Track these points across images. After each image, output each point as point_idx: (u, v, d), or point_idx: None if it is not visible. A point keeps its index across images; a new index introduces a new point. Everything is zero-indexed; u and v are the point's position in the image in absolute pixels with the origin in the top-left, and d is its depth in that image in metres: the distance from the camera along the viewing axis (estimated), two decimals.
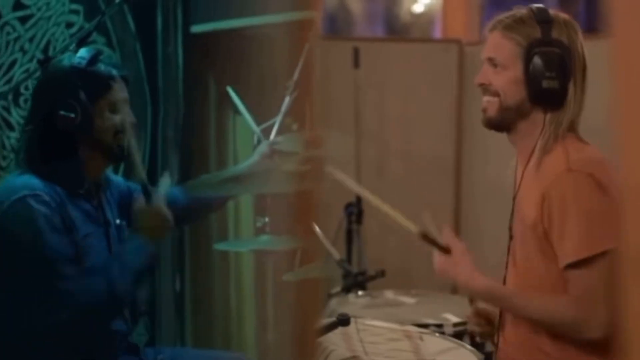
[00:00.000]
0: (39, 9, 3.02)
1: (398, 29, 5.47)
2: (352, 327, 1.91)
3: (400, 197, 3.78)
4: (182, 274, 3.15)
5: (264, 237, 2.32)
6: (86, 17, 3.08)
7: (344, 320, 1.84)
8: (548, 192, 1.77)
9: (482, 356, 1.88)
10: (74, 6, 3.09)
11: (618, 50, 0.70)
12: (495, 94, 1.87)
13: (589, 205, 1.73)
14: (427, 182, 3.72)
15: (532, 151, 1.85)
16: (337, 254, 2.87)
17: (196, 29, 3.18)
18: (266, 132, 2.33)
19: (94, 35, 2.89)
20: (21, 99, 3.00)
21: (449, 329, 2.44)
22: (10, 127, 2.98)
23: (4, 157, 2.98)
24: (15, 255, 1.83)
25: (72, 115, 1.85)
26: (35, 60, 2.93)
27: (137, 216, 1.91)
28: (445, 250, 1.89)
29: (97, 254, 1.92)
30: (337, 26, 5.07)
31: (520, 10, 1.87)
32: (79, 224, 1.88)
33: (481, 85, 1.90)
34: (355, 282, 2.92)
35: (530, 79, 1.81)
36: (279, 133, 2.29)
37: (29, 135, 1.90)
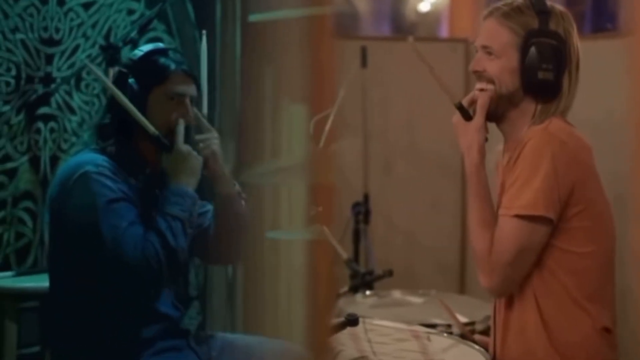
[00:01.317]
0: None
1: (404, 28, 5.43)
2: (360, 327, 1.92)
3: (407, 194, 3.82)
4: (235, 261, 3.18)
5: (316, 227, 2.33)
6: (147, 4, 3.13)
7: (352, 321, 1.83)
8: (519, 149, 1.77)
9: (490, 356, 1.87)
10: None
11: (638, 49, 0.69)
12: (490, 81, 1.85)
13: (551, 166, 1.71)
14: (433, 180, 3.71)
15: (521, 141, 1.82)
16: (344, 253, 2.87)
17: (254, 17, 3.20)
18: (321, 123, 2.33)
19: (154, 23, 2.94)
20: (82, 84, 3.06)
21: (456, 329, 2.43)
22: (72, 111, 3.05)
23: (65, 140, 3.05)
24: (80, 227, 1.92)
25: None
26: (97, 46, 2.99)
27: (165, 166, 1.98)
28: (467, 118, 1.89)
29: None
30: (343, 25, 5.05)
31: (518, 0, 1.85)
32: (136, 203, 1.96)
33: (475, 72, 1.89)
34: (363, 282, 2.91)
35: (526, 69, 1.80)
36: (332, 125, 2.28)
37: (100, 119, 2.04)
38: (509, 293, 1.81)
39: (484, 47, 1.87)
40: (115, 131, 1.99)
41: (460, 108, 1.90)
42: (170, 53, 2.04)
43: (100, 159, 1.95)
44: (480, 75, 1.88)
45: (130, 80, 1.97)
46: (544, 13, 1.81)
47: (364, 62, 3.42)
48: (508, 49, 1.83)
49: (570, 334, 1.78)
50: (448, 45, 3.90)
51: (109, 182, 1.90)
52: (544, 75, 1.79)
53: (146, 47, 2.02)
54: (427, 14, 5.34)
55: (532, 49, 1.79)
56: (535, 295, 1.79)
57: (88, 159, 1.95)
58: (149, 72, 1.98)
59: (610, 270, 1.84)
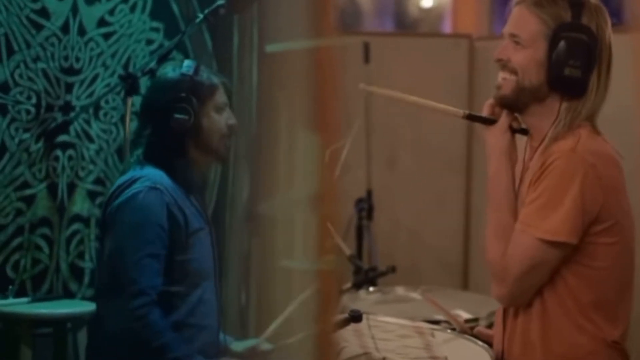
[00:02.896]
0: (121, 26, 3.13)
1: (407, 24, 5.43)
2: (363, 324, 1.90)
3: (411, 190, 3.79)
4: (248, 288, 3.19)
5: (329, 257, 2.34)
6: (166, 34, 3.18)
7: (356, 317, 1.83)
8: (545, 164, 1.71)
9: (493, 352, 1.84)
10: (155, 24, 3.19)
11: None
12: (513, 71, 1.77)
13: (579, 193, 1.66)
14: (437, 176, 3.67)
15: (544, 138, 1.77)
16: (347, 250, 2.85)
17: (271, 48, 3.24)
18: (335, 153, 2.35)
19: (173, 53, 2.98)
20: (101, 113, 3.11)
21: (455, 325, 2.43)
22: (90, 139, 3.08)
23: (83, 168, 3.08)
24: (116, 242, 1.98)
25: (186, 117, 2.00)
26: (116, 75, 3.03)
27: None
28: (491, 121, 1.84)
29: (204, 250, 2.06)
30: (346, 21, 5.04)
31: None
32: (191, 218, 2.02)
33: (499, 61, 1.80)
34: (366, 278, 2.88)
35: (552, 63, 1.72)
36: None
37: (149, 137, 2.06)
38: (519, 304, 1.78)
39: (512, 36, 1.78)
40: (169, 146, 2.04)
41: (471, 117, 1.85)
42: (205, 68, 2.12)
43: (157, 174, 2.00)
44: (504, 65, 1.80)
45: (190, 95, 2.02)
46: (577, 5, 1.72)
47: (366, 58, 3.40)
48: (536, 40, 1.75)
49: (574, 344, 1.74)
50: (451, 41, 3.88)
51: (161, 200, 1.95)
52: (571, 72, 1.71)
53: (191, 63, 2.08)
54: (430, 10, 5.36)
55: (561, 43, 1.71)
56: (543, 301, 1.76)
57: (145, 174, 2.00)
58: (203, 85, 2.06)
59: (628, 285, 1.78)
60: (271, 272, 3.12)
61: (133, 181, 1.99)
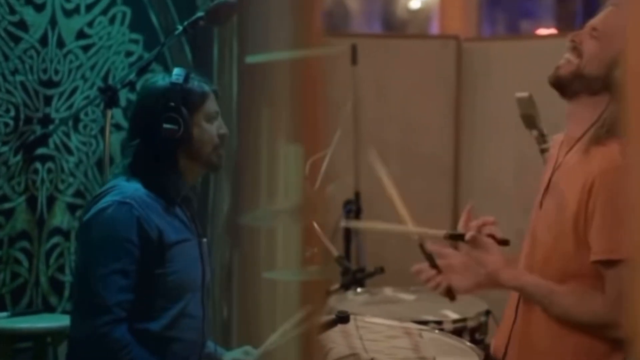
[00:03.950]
0: (100, 38, 3.12)
1: (395, 26, 5.46)
2: (351, 325, 1.90)
3: (399, 192, 3.76)
4: (230, 300, 3.18)
5: (312, 268, 2.34)
6: (145, 46, 3.17)
7: (343, 318, 1.81)
8: (596, 183, 1.71)
9: (481, 352, 1.85)
10: (134, 36, 3.18)
11: (631, 51, 0.71)
12: (580, 55, 1.80)
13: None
14: (425, 181, 3.69)
15: (584, 133, 1.79)
16: (335, 250, 2.86)
17: (251, 59, 3.23)
18: (317, 163, 2.35)
19: (153, 65, 2.98)
20: (80, 125, 3.09)
21: (448, 326, 2.44)
22: (70, 152, 3.07)
23: (62, 181, 3.06)
24: (83, 256, 1.96)
25: (175, 127, 1.97)
26: (95, 88, 3.02)
27: None
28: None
29: (188, 262, 2.02)
30: (334, 23, 5.05)
31: None
32: (168, 231, 1.97)
33: (572, 41, 1.83)
34: (354, 279, 2.88)
35: (614, 61, 1.73)
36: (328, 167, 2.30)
37: (136, 147, 2.01)
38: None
39: (593, 29, 1.81)
40: (157, 157, 2.00)
41: (452, 237, 1.90)
42: (196, 75, 2.10)
43: (134, 188, 1.96)
44: (573, 47, 1.82)
45: (179, 104, 1.99)
46: None
47: (354, 60, 3.41)
48: (612, 37, 1.78)
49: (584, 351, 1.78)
50: (439, 42, 3.88)
51: (129, 216, 1.91)
52: None
53: (181, 72, 2.05)
54: (417, 12, 5.39)
55: None
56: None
57: (120, 191, 1.95)
58: (193, 94, 2.02)
59: None
60: (253, 284, 3.11)
61: (104, 195, 1.95)
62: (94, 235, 1.92)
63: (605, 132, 1.76)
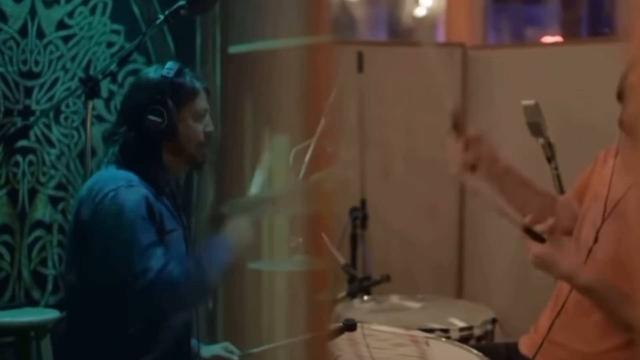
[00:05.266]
0: (81, 29, 3.08)
1: (400, 33, 5.46)
2: (358, 333, 1.90)
3: (404, 200, 3.79)
4: (215, 292, 3.16)
5: (298, 258, 2.33)
6: (127, 37, 3.14)
7: (350, 326, 1.83)
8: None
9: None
10: (115, 26, 3.15)
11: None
12: None
13: None
14: (431, 186, 3.67)
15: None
16: (342, 258, 2.86)
17: (234, 49, 3.21)
18: (302, 153, 2.34)
19: (134, 55, 2.95)
20: (62, 117, 3.06)
21: (455, 334, 2.44)
22: (51, 144, 3.03)
23: (44, 173, 3.03)
24: (110, 242, 1.91)
25: (159, 120, 1.97)
26: (76, 79, 2.99)
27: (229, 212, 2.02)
28: (543, 240, 1.82)
29: (178, 252, 2.01)
30: (340, 31, 5.08)
31: None
32: (165, 219, 1.98)
33: None
34: (361, 287, 2.89)
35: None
36: (313, 154, 2.29)
37: (123, 135, 2.02)
38: None
39: None
40: (142, 147, 2.00)
41: (529, 231, 1.82)
42: (190, 71, 2.08)
43: (131, 175, 1.96)
44: None
45: (166, 98, 1.99)
46: None
47: (360, 67, 3.42)
48: None
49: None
50: (445, 50, 3.84)
51: (140, 198, 1.91)
52: None
53: (173, 65, 2.04)
54: (423, 19, 5.38)
55: None
56: None
57: (121, 175, 1.96)
58: (183, 89, 2.02)
59: None
60: (238, 275, 3.09)
61: (106, 183, 1.94)
62: (114, 218, 1.90)
63: None
